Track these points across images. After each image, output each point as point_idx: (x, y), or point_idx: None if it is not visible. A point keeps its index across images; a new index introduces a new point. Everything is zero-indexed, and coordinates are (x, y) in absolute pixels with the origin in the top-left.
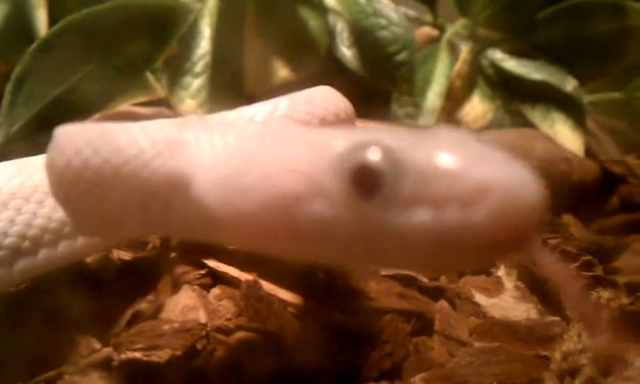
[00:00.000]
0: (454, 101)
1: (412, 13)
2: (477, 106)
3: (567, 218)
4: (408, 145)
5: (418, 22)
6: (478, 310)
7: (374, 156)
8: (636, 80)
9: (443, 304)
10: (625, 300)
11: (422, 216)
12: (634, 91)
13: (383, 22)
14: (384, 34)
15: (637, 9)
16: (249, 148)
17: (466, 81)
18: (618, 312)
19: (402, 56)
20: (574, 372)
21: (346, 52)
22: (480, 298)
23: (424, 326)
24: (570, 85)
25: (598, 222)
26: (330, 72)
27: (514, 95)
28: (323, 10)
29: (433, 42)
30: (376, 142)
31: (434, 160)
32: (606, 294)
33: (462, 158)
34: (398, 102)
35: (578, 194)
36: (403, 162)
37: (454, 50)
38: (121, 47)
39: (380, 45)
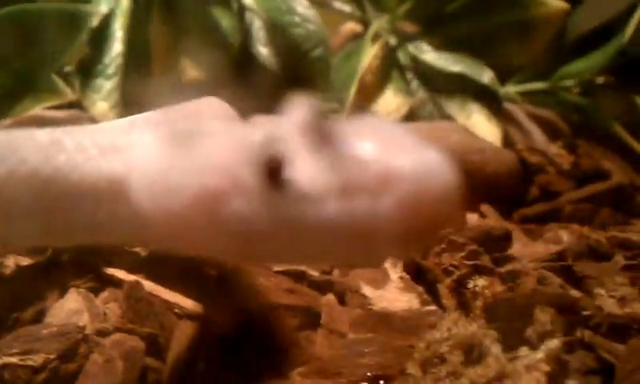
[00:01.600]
0: (365, 95)
1: (347, 8)
2: (390, 100)
3: (485, 209)
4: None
5: (351, 18)
6: (364, 302)
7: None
8: (560, 70)
9: (330, 298)
10: (499, 288)
11: (332, 207)
12: (558, 81)
13: (297, 19)
14: (298, 31)
15: (537, 0)
16: (173, 144)
17: (379, 75)
18: (492, 299)
19: (316, 52)
20: (438, 360)
21: (263, 50)
22: (367, 291)
23: (310, 320)
24: (486, 76)
25: (519, 212)
26: (249, 70)
27: (432, 88)
28: (239, 9)
29: (359, 37)
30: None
31: (344, 148)
32: (481, 282)
33: (372, 146)
34: (320, 98)
35: (494, 185)
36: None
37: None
38: (21, 52)
39: (295, 42)
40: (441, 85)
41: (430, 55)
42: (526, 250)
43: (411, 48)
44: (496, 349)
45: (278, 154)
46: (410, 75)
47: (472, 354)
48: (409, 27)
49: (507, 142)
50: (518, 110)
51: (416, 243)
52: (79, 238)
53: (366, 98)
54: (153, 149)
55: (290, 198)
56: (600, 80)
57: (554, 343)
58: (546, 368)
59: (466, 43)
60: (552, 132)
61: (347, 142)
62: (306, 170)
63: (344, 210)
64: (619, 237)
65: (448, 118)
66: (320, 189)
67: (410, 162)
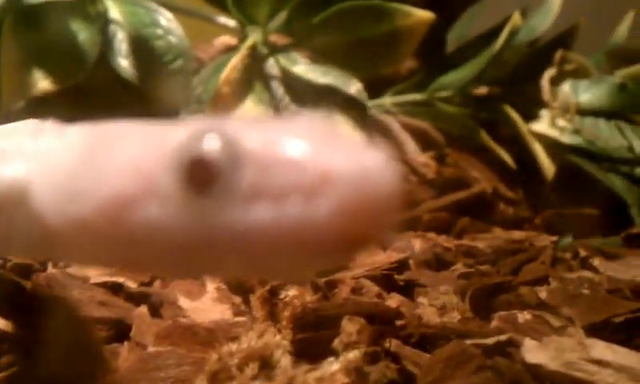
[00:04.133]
0: (221, 107)
1: (232, 23)
2: (250, 111)
3: None
4: (250, 133)
5: (233, 32)
6: (179, 314)
7: (210, 146)
8: (435, 81)
9: (143, 310)
10: (308, 298)
11: (260, 211)
12: (434, 92)
13: (160, 31)
14: (159, 43)
15: (402, 11)
16: (83, 149)
17: (237, 87)
18: (300, 309)
19: (176, 64)
20: (228, 373)
21: (122, 62)
22: (183, 302)
23: (120, 332)
24: (353, 87)
25: None
26: (108, 82)
27: (299, 99)
28: (104, 22)
29: (232, 50)
30: (215, 130)
31: (275, 148)
32: (292, 291)
33: (306, 146)
34: (186, 110)
35: None
36: (241, 152)
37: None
38: None
39: (156, 54)
40: (309, 96)
41: (300, 67)
42: (368, 260)
43: (282, 60)
44: (286, 360)
45: (200, 155)
46: (279, 87)
47: (265, 366)
48: (282, 40)
49: None
50: (392, 122)
51: (351, 249)
52: None
53: (223, 109)
54: (61, 154)
55: (214, 201)
56: (482, 90)
57: (354, 354)
58: (344, 379)
59: (338, 55)
60: (426, 143)
61: (279, 141)
62: (231, 169)
63: (274, 215)
64: (467, 245)
65: None
66: (247, 191)
67: (345, 163)
